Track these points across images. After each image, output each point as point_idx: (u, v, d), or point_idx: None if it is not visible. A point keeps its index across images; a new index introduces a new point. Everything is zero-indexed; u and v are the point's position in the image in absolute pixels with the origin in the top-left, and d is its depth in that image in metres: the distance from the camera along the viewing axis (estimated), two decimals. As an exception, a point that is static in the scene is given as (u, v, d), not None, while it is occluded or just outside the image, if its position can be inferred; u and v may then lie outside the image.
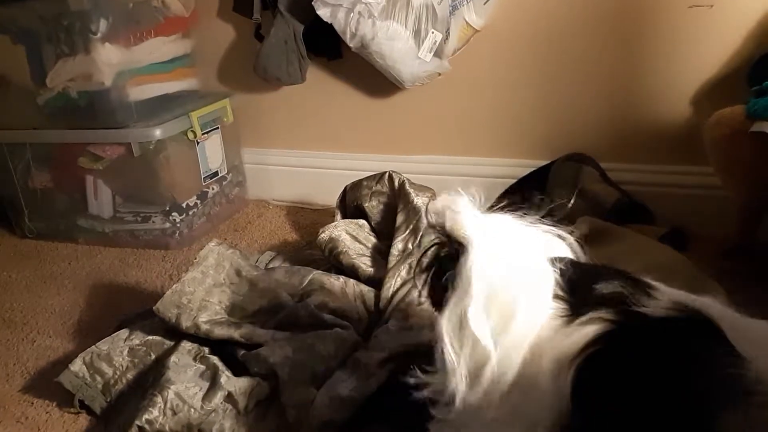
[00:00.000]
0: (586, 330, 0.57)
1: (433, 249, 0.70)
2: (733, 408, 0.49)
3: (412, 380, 0.65)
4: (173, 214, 1.58)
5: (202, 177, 1.66)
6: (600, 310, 0.57)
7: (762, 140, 1.04)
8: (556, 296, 0.61)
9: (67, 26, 1.48)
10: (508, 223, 0.66)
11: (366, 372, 0.94)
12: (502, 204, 0.68)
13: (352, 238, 1.28)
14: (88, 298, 1.37)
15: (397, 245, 1.20)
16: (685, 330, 0.55)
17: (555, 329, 0.59)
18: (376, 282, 1.16)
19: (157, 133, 1.49)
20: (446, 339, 0.62)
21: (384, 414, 0.90)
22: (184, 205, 1.60)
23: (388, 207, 1.34)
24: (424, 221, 1.21)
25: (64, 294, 1.40)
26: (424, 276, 0.70)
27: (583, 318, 0.58)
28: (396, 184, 1.32)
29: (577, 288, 0.61)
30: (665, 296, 0.58)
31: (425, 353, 0.68)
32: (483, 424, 0.62)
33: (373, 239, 1.31)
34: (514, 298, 0.61)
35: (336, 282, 1.11)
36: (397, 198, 1.30)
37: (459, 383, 0.61)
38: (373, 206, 1.35)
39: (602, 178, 1.42)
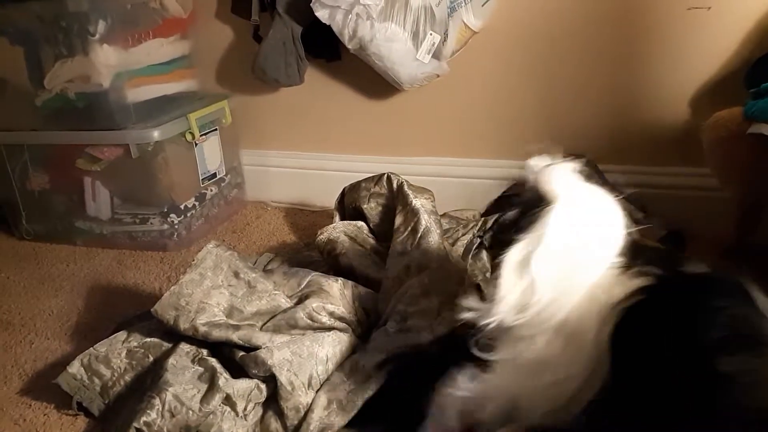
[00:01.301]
0: (634, 281, 0.64)
1: (514, 213, 0.76)
2: (738, 352, 0.55)
3: (464, 303, 0.71)
4: (171, 215, 1.57)
5: (201, 178, 1.65)
6: (650, 267, 0.65)
7: (759, 142, 1.04)
8: (620, 254, 0.68)
9: (65, 27, 1.48)
10: (596, 189, 0.72)
11: (364, 374, 0.94)
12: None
13: (350, 239, 1.28)
14: (86, 300, 1.37)
15: (396, 247, 1.20)
16: (716, 285, 0.62)
17: (610, 280, 0.66)
18: (374, 283, 1.16)
19: (155, 134, 1.49)
20: (506, 271, 0.68)
21: (382, 416, 0.90)
22: (182, 206, 1.59)
23: (387, 209, 1.34)
24: (423, 223, 1.21)
25: (62, 296, 1.40)
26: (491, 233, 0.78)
27: (634, 270, 0.65)
28: (395, 185, 1.32)
29: (637, 249, 0.69)
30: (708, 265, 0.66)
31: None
32: (522, 366, 0.69)
33: (371, 241, 1.31)
34: (580, 251, 0.68)
35: (334, 284, 1.11)
36: (396, 200, 1.30)
37: (505, 312, 0.68)
38: (372, 208, 1.35)
39: (600, 180, 1.42)
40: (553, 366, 0.66)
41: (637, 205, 1.19)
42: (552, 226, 0.67)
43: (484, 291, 0.73)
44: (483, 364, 0.74)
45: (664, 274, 0.65)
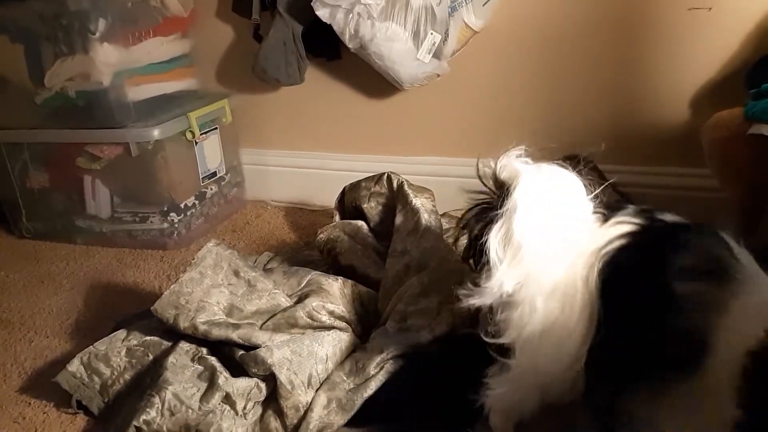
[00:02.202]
0: (616, 229, 0.69)
1: (477, 209, 0.79)
2: (698, 279, 0.60)
3: (463, 291, 0.74)
4: (171, 214, 1.57)
5: (201, 177, 1.65)
6: (629, 216, 0.70)
7: (760, 142, 1.04)
8: (594, 211, 0.73)
9: (65, 26, 1.48)
10: (553, 167, 0.76)
11: (364, 373, 0.94)
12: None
13: (350, 238, 1.28)
14: (86, 299, 1.37)
15: (396, 246, 1.20)
16: (693, 228, 0.69)
17: (591, 232, 0.71)
18: (374, 283, 1.16)
19: (156, 133, 1.49)
20: (493, 245, 0.72)
21: (382, 416, 0.90)
22: (182, 205, 1.59)
23: (387, 208, 1.34)
24: (423, 222, 1.21)
25: (62, 294, 1.40)
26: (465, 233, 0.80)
27: (615, 220, 0.70)
28: (395, 185, 1.32)
29: (612, 206, 0.74)
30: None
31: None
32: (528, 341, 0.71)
33: (371, 240, 1.31)
34: (554, 213, 0.71)
35: (334, 283, 1.11)
36: (396, 199, 1.30)
37: (502, 283, 0.71)
38: (372, 207, 1.35)
39: (601, 180, 1.42)
40: (556, 326, 0.69)
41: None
42: (521, 197, 0.71)
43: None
44: (505, 354, 0.76)
45: (643, 222, 0.69)
